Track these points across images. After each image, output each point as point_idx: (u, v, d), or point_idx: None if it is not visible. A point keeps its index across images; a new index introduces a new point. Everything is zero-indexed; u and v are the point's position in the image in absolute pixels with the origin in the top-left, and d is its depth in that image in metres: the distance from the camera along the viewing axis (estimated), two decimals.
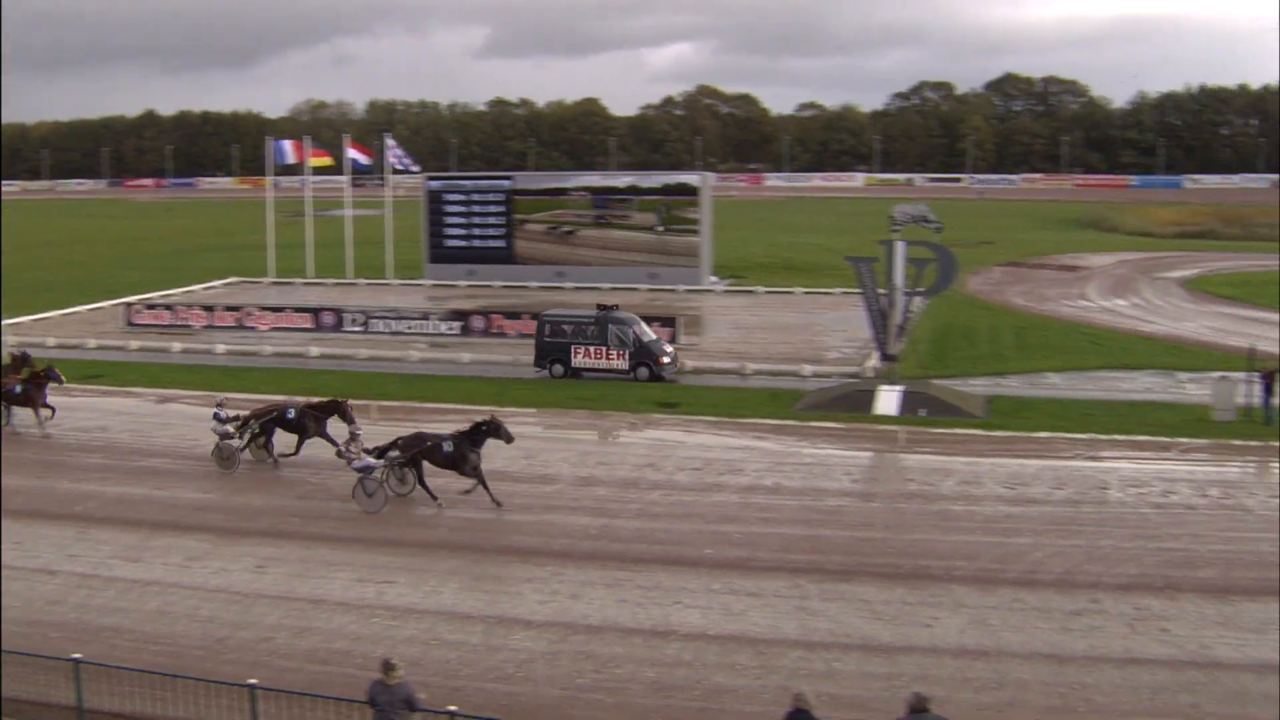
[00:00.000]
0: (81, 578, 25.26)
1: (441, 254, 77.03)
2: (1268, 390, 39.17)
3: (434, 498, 30.04)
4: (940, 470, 33.13)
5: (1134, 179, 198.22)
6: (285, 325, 58.66)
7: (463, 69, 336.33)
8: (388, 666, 16.12)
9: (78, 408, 40.57)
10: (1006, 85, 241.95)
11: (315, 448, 34.15)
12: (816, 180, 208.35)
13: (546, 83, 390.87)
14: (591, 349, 47.01)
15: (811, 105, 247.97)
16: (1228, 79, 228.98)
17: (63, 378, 38.74)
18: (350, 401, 34.60)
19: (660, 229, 74.43)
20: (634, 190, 76.63)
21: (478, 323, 56.53)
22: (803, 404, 41.87)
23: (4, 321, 54.39)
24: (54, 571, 25.60)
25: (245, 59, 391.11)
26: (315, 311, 59.26)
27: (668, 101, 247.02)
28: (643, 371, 46.35)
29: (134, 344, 55.15)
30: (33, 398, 38.11)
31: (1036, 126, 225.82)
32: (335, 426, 34.07)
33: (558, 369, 47.29)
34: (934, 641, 21.88)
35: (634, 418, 39.75)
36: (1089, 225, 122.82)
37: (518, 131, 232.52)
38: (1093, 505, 30.00)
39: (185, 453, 35.47)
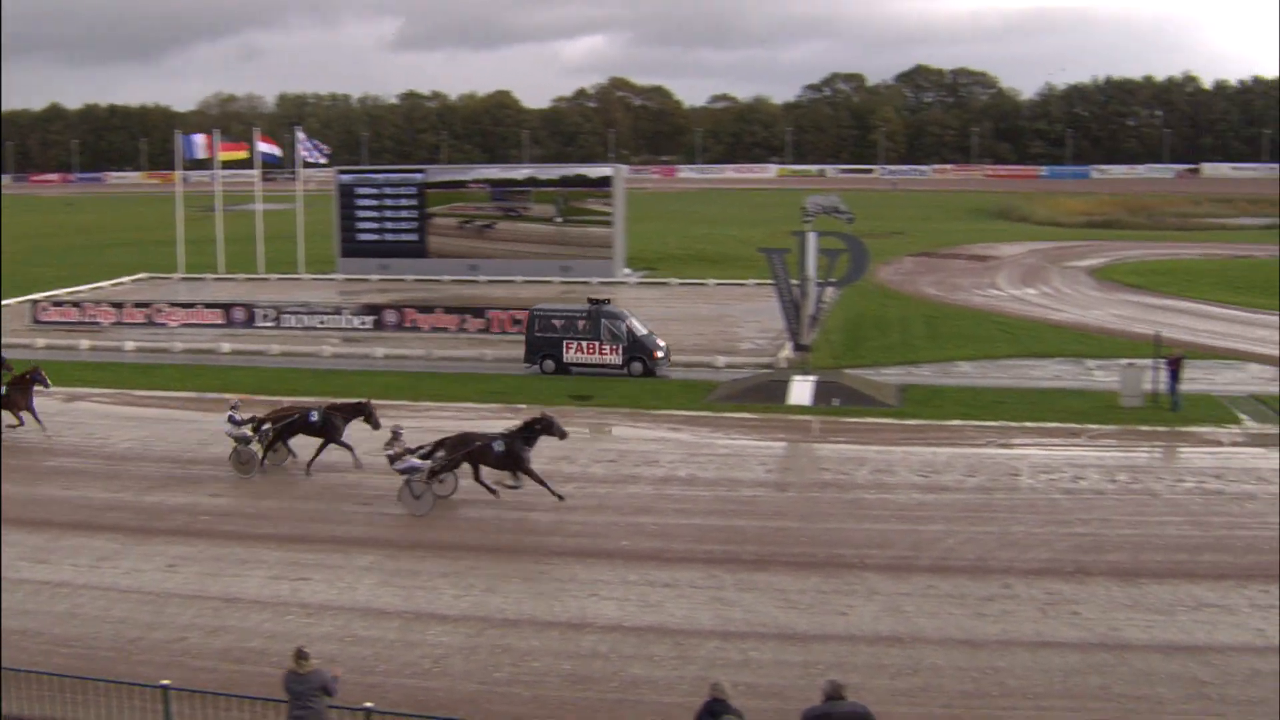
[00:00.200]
0: None
1: (354, 248, 76.53)
2: (1174, 376, 39.79)
3: (493, 492, 29.54)
4: (854, 459, 33.39)
5: (1043, 169, 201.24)
6: (196, 321, 58.02)
7: (375, 62, 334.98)
8: (300, 655, 16.01)
9: None
10: (917, 77, 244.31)
11: (229, 444, 33.80)
12: (729, 172, 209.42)
13: (459, 75, 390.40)
14: (584, 344, 46.54)
15: (724, 97, 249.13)
16: (1133, 71, 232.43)
17: (49, 381, 37.48)
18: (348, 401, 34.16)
19: (571, 221, 74.36)
20: (547, 183, 76.54)
21: (391, 317, 56.22)
22: (716, 395, 42.02)
23: None
24: None
25: (153, 52, 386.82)
26: (226, 307, 58.67)
27: (580, 94, 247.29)
28: (636, 366, 46.00)
29: (40, 341, 54.33)
30: (16, 401, 36.64)
31: (947, 118, 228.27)
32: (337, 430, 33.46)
33: (549, 365, 46.87)
34: (849, 629, 22.07)
35: (547, 411, 39.64)
36: (999, 215, 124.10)
37: (430, 124, 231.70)
38: (1004, 492, 30.39)
39: (94, 451, 35.07)
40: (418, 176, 77.72)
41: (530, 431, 29.78)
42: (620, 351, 46.20)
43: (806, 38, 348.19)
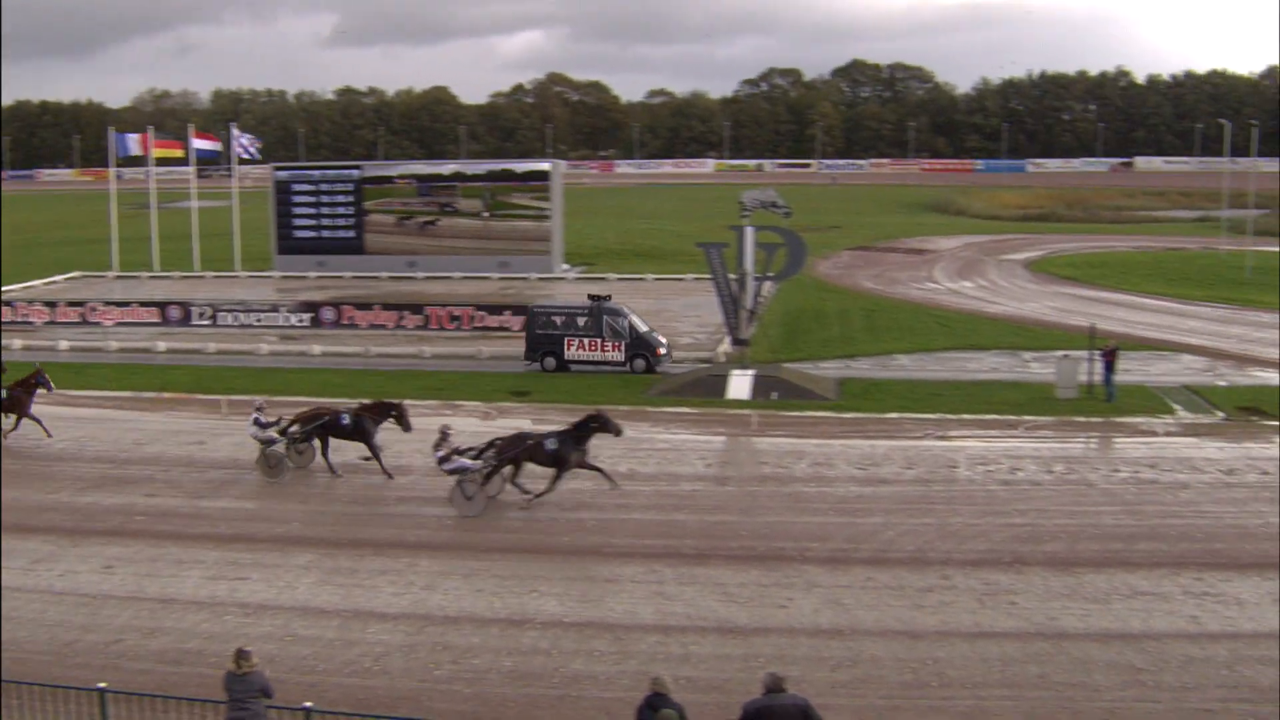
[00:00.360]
0: None
1: (290, 245, 76.00)
2: (1108, 368, 40.18)
3: (526, 493, 29.27)
4: (793, 453, 33.52)
5: (979, 163, 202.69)
6: (131, 320, 57.49)
7: (311, 57, 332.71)
8: (240, 655, 15.91)
9: None
10: (854, 72, 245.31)
11: (165, 444, 33.53)
12: (667, 167, 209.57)
13: (396, 71, 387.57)
14: (585, 341, 46.15)
15: (661, 92, 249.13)
16: (1067, 66, 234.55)
17: (52, 384, 36.48)
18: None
19: (508, 216, 74.21)
20: (485, 177, 76.39)
21: (328, 314, 55.95)
22: (655, 389, 42.07)
23: None
24: None
25: (86, 47, 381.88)
26: (162, 306, 58.19)
27: (518, 89, 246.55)
28: (639, 363, 45.69)
29: None
30: (19, 404, 35.62)
31: (884, 112, 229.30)
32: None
33: (550, 362, 46.41)
34: (789, 622, 22.14)
35: (487, 407, 39.63)
36: (936, 209, 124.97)
37: (367, 121, 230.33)
38: (942, 484, 30.59)
39: (28, 453, 34.63)
40: (354, 173, 77.23)
41: (584, 429, 29.49)
42: (623, 348, 45.87)
43: (744, 33, 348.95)
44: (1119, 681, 19.58)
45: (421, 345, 50.73)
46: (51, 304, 59.56)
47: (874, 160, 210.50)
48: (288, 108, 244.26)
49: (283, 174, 78.18)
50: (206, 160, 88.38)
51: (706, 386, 41.78)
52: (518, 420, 37.69)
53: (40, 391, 36.02)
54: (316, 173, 79.12)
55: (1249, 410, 38.61)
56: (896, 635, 21.47)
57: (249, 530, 27.57)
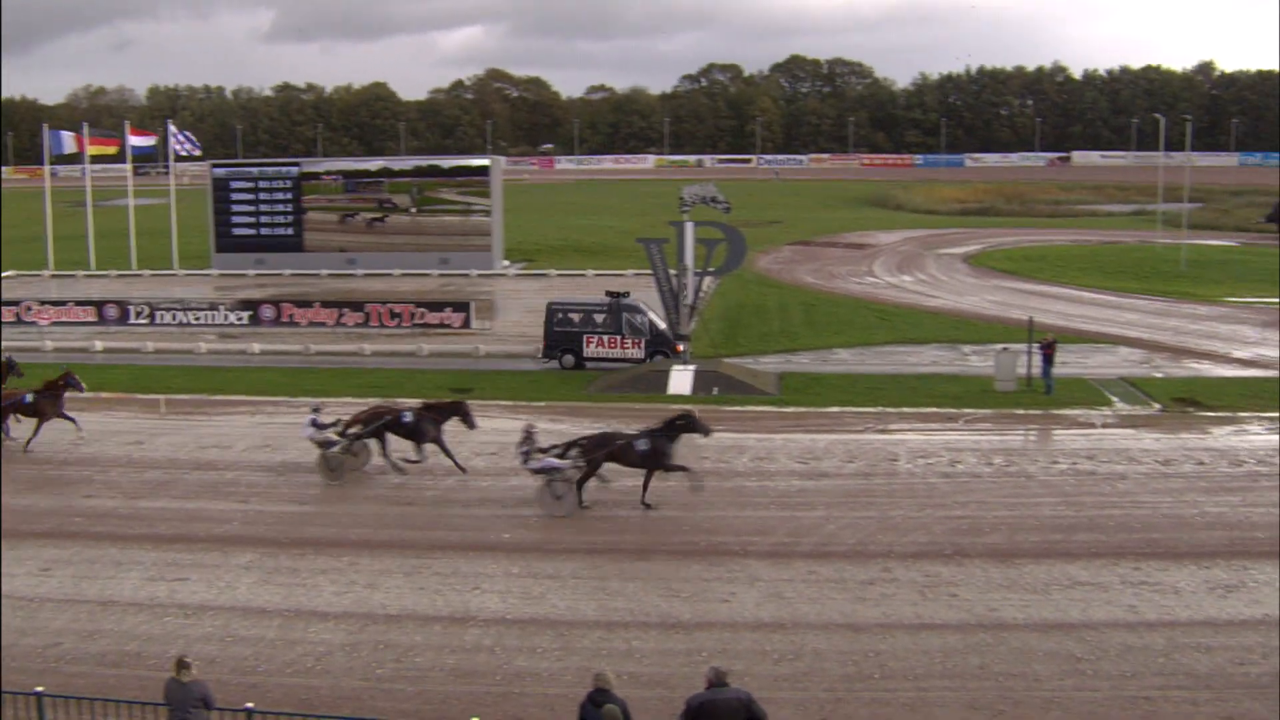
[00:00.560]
0: None
1: (229, 243, 75.35)
2: (1047, 361, 40.49)
3: (605, 482, 29.11)
4: (734, 447, 33.56)
5: (918, 158, 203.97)
6: (67, 319, 56.84)
7: (249, 53, 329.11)
8: (181, 664, 15.81)
9: None
10: (793, 67, 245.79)
11: (103, 444, 33.23)
12: (607, 163, 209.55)
13: (335, 67, 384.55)
14: (604, 338, 45.75)
15: (601, 88, 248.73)
16: (1005, 61, 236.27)
17: (84, 385, 35.71)
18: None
19: (447, 212, 73.96)
20: (423, 173, 76.13)
21: (267, 312, 55.57)
22: (597, 386, 42.06)
23: None
24: None
25: (19, 43, 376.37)
26: (99, 305, 57.56)
27: (457, 85, 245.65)
28: (659, 359, 45.14)
29: None
30: (44, 408, 34.48)
31: (823, 107, 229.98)
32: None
33: (568, 359, 45.95)
34: (732, 616, 22.21)
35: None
36: (875, 204, 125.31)
37: (306, 117, 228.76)
38: (883, 477, 30.78)
39: None
40: (293, 170, 76.67)
41: (673, 429, 29.18)
42: (642, 345, 45.50)
43: (684, 29, 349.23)
44: (1058, 671, 19.77)
45: (362, 343, 50.54)
46: None
47: (814, 155, 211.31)
48: (226, 104, 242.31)
49: (221, 171, 77.55)
50: (143, 158, 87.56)
51: (647, 382, 41.81)
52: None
53: (70, 393, 35.08)
54: (255, 170, 78.49)
55: (1185, 401, 39.05)
56: (838, 628, 21.58)
57: (188, 531, 27.33)
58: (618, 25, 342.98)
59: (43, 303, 58.47)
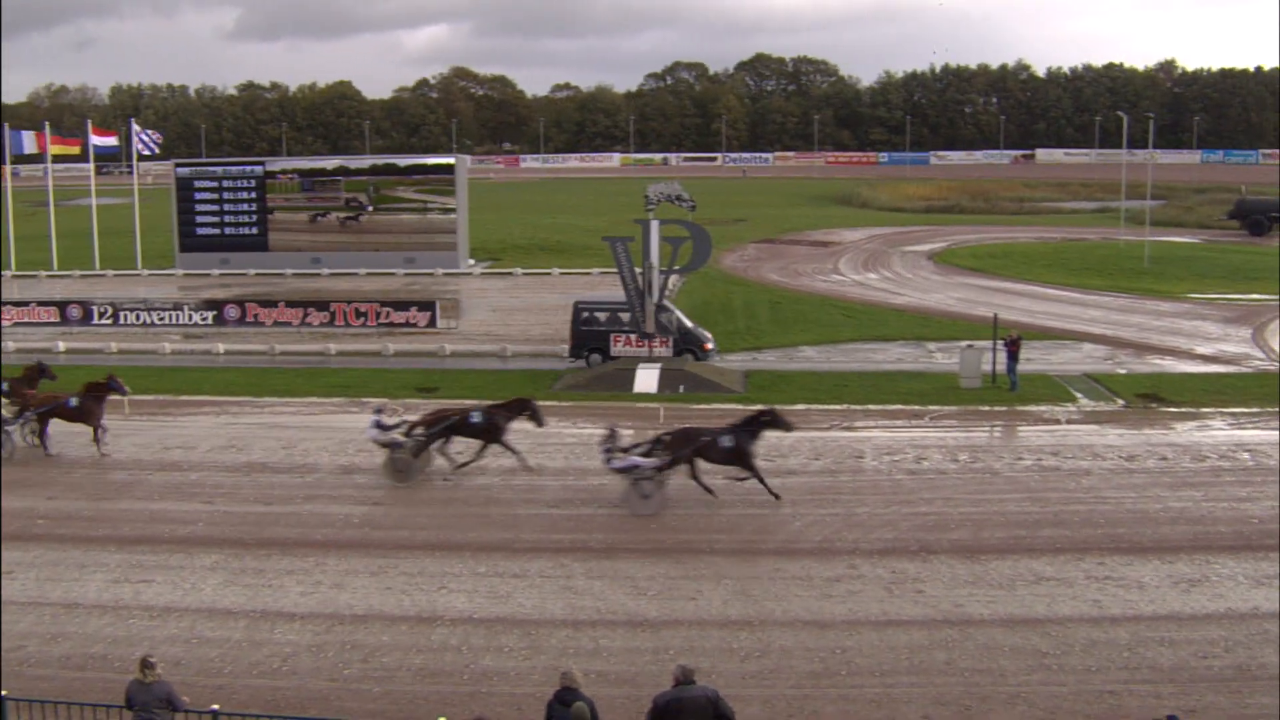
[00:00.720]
0: None
1: (193, 243, 74.87)
2: (1012, 357, 40.66)
3: (710, 492, 28.87)
4: None
5: (883, 156, 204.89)
6: (29, 320, 56.37)
7: (214, 52, 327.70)
8: (145, 665, 15.73)
9: None
10: (758, 65, 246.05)
11: (66, 446, 33.01)
12: (573, 161, 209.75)
13: (301, 66, 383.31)
14: (632, 337, 45.28)
15: (566, 86, 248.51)
16: (969, 59, 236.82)
17: (127, 388, 34.89)
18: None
19: (412, 211, 73.82)
20: (389, 171, 75.92)
21: (232, 312, 55.32)
22: (562, 384, 42.03)
23: None
24: None
25: None
26: (61, 305, 57.15)
27: (422, 84, 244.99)
28: (687, 358, 44.89)
29: None
30: (91, 412, 33.47)
31: (788, 105, 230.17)
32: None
33: (595, 359, 45.61)
34: (698, 614, 22.25)
35: (394, 404, 39.35)
36: (841, 201, 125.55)
37: (271, 116, 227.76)
38: (849, 474, 30.88)
39: None
40: (257, 169, 76.28)
41: (756, 425, 29.20)
42: (671, 344, 45.03)
43: (649, 27, 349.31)
44: (1024, 666, 19.89)
45: (327, 343, 50.35)
46: None
47: (779, 153, 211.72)
48: (189, 103, 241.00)
49: (184, 171, 77.06)
50: (106, 157, 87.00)
51: (613, 380, 41.81)
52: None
53: (113, 396, 34.42)
54: (219, 169, 78.05)
55: (1148, 397, 39.29)
56: (805, 625, 21.65)
57: (153, 532, 27.18)
58: (583, 24, 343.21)
59: (4, 303, 57.97)
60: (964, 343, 45.08)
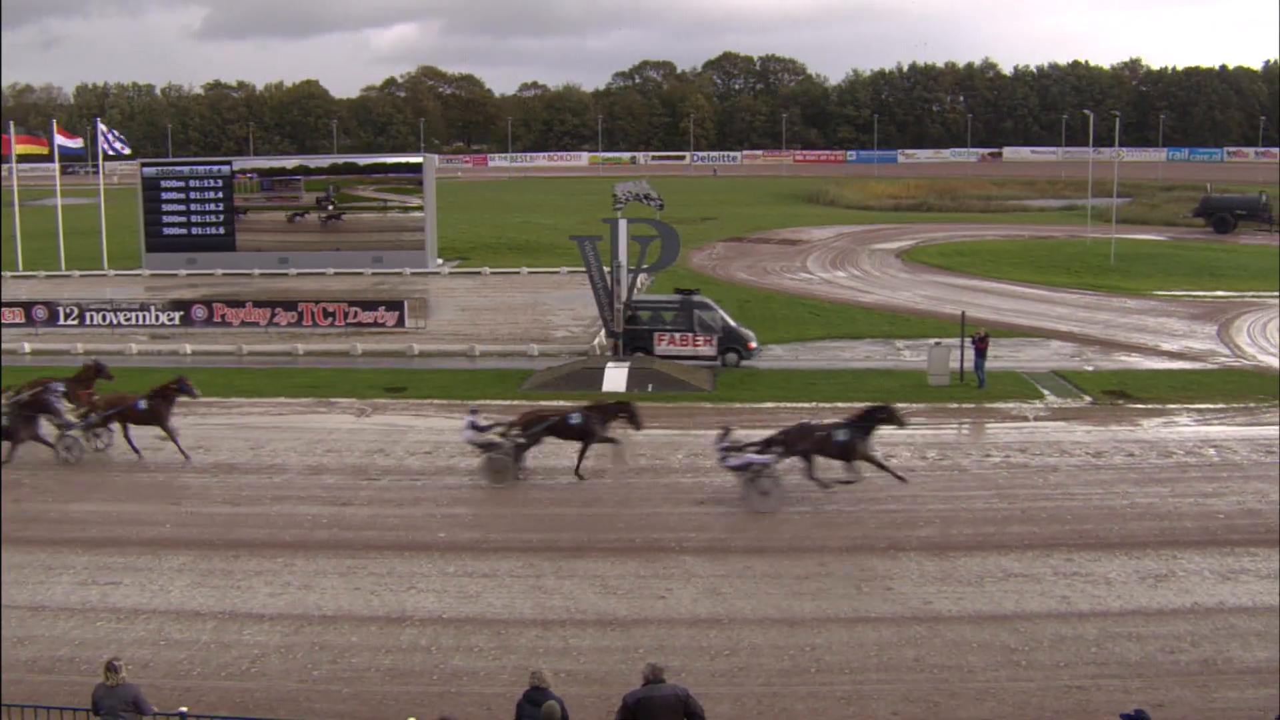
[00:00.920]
0: None
1: (160, 243, 74.46)
2: (980, 355, 40.82)
3: (825, 486, 28.92)
4: (669, 444, 33.63)
5: (851, 154, 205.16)
6: None
7: (181, 51, 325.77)
8: (109, 668, 15.63)
9: None
10: (726, 64, 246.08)
11: (31, 447, 32.80)
12: (541, 160, 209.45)
13: (270, 65, 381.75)
14: (676, 335, 45.14)
15: (534, 85, 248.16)
16: (936, 57, 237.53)
17: (197, 391, 34.02)
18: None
19: (379, 210, 73.70)
20: (358, 169, 75.78)
21: (199, 312, 55.02)
22: (530, 383, 41.96)
23: None
24: None
25: None
26: (27, 306, 56.70)
27: (390, 83, 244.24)
28: (731, 357, 44.80)
29: None
30: (159, 415, 32.86)
31: (756, 104, 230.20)
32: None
33: (639, 358, 44.75)
34: (668, 613, 22.27)
35: (361, 403, 39.33)
36: (809, 200, 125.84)
37: (238, 115, 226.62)
38: (818, 472, 30.84)
39: None
40: (224, 169, 75.92)
41: (870, 420, 29.32)
42: (714, 342, 44.95)
43: (617, 26, 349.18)
44: (993, 662, 19.98)
45: (295, 343, 50.17)
46: None
47: (747, 152, 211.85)
48: (155, 103, 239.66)
49: (150, 170, 76.61)
50: (72, 157, 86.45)
51: (582, 379, 41.78)
52: (393, 417, 37.56)
53: (182, 399, 33.85)
54: (186, 168, 77.65)
55: (1115, 394, 39.50)
56: (775, 623, 21.69)
57: (120, 534, 27.06)
58: (551, 23, 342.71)
59: None
60: (932, 340, 45.25)
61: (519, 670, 18.94)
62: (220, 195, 73.90)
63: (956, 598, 22.67)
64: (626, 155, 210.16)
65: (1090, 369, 43.91)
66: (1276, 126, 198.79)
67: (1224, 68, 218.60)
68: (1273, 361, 45.15)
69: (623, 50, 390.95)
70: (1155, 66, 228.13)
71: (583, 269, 45.30)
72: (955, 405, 38.42)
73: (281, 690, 19.34)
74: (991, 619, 21.68)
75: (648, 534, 26.52)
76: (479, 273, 72.94)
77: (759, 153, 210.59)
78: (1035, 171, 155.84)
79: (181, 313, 55.10)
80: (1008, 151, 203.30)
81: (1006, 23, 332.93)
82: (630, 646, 20.64)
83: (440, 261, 76.07)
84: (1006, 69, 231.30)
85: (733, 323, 46.04)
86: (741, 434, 30.23)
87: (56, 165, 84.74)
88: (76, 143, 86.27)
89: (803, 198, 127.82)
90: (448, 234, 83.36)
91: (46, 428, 33.20)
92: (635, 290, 44.66)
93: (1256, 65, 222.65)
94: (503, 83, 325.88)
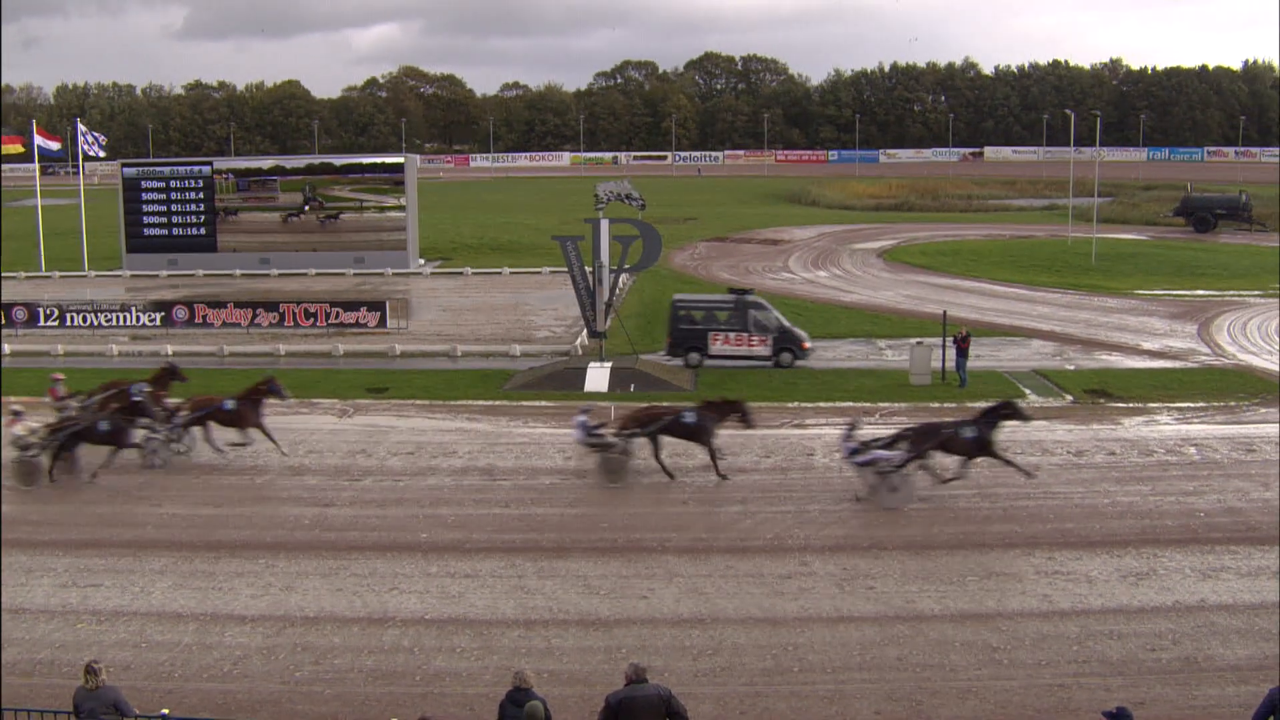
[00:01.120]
0: None
1: (140, 243, 74.24)
2: (961, 354, 40.92)
3: (944, 482, 29.10)
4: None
5: (833, 154, 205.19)
6: None
7: (162, 51, 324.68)
8: (88, 671, 15.56)
9: None
10: (708, 64, 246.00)
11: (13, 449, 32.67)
12: (523, 160, 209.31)
13: (251, 65, 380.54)
14: (731, 335, 45.03)
15: (515, 85, 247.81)
16: (917, 57, 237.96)
17: (287, 392, 34.06)
18: None
19: (361, 210, 73.61)
20: (339, 170, 75.68)
21: (180, 313, 54.86)
22: (512, 384, 41.94)
23: None
24: None
25: None
26: (6, 307, 56.46)
27: (371, 83, 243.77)
28: (786, 357, 44.68)
29: None
30: (246, 416, 32.73)
31: (738, 104, 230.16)
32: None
33: (694, 357, 45.13)
34: (650, 612, 22.27)
35: (343, 404, 39.26)
36: (791, 200, 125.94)
37: (219, 115, 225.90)
38: (799, 471, 30.99)
39: None
40: (205, 169, 75.70)
41: (995, 416, 29.41)
42: (770, 343, 44.86)
43: (599, 25, 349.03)
44: (975, 660, 20.02)
45: (276, 343, 50.04)
46: None
47: (729, 152, 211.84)
48: (136, 103, 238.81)
49: (131, 171, 76.40)
50: (52, 158, 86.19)
51: (564, 379, 41.79)
52: (375, 417, 37.50)
53: (271, 400, 33.70)
54: (166, 169, 77.43)
55: (1096, 393, 39.60)
56: (757, 623, 21.70)
57: (101, 535, 26.98)
58: (533, 22, 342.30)
59: None
60: (914, 340, 45.39)
61: (501, 671, 18.94)
62: (201, 196, 73.69)
63: (939, 596, 22.71)
64: (608, 155, 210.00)
65: (1071, 368, 44.01)
66: (1256, 126, 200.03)
67: (1204, 68, 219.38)
68: (1253, 360, 45.31)
69: (604, 50, 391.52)
70: (1135, 66, 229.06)
71: (565, 269, 45.28)
72: (937, 405, 38.40)
73: (263, 692, 19.30)
74: (974, 617, 21.72)
75: (630, 534, 26.53)
76: (461, 273, 72.88)
77: (741, 153, 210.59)
78: (1016, 171, 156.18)
79: (163, 314, 54.94)
80: (989, 151, 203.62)
81: (987, 23, 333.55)
82: (613, 646, 20.64)
83: (422, 262, 75.97)
84: (987, 69, 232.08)
85: (787, 323, 46.06)
86: (866, 431, 30.31)
87: (36, 166, 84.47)
88: (56, 144, 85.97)
89: (784, 198, 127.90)
90: (429, 234, 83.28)
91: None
92: (616, 291, 44.62)
93: (1236, 65, 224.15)
94: (484, 83, 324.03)
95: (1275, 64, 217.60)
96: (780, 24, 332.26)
